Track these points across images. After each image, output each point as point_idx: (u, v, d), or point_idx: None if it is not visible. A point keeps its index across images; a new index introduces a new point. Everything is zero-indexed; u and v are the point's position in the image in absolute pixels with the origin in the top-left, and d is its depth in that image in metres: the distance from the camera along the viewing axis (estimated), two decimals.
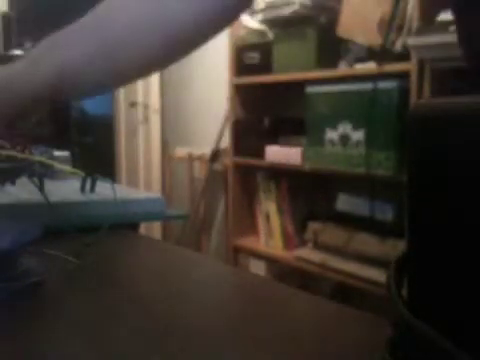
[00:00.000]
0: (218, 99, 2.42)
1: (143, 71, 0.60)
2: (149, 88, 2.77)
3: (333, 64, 1.79)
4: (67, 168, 0.42)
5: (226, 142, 2.28)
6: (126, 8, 0.54)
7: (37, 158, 0.41)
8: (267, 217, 2.16)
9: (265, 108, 2.19)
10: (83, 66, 0.52)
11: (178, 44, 0.56)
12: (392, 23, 1.59)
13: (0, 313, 0.27)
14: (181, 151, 2.69)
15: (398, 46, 1.58)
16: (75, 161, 0.69)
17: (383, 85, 1.60)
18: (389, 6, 1.60)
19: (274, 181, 2.13)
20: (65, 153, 0.66)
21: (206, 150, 2.50)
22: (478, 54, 0.40)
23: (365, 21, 1.65)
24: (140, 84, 2.74)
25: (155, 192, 2.72)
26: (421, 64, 1.51)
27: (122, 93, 2.78)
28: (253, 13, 1.98)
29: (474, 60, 0.41)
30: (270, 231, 2.16)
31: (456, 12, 0.43)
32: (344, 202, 1.93)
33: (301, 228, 2.05)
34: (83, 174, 0.50)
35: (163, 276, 0.34)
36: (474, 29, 0.39)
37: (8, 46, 2.03)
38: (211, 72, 2.44)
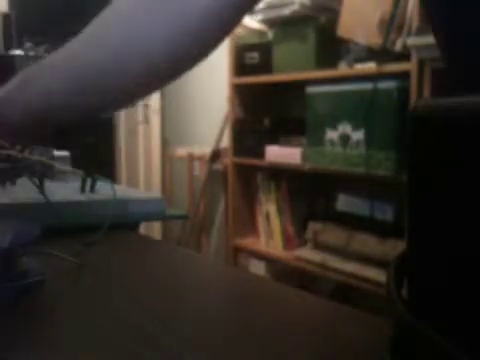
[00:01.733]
0: (218, 99, 2.42)
1: (131, 98, 0.58)
2: None
3: (333, 64, 1.79)
4: (67, 168, 0.42)
5: (226, 142, 2.28)
6: (107, 37, 0.52)
7: (37, 158, 0.41)
8: (267, 217, 2.17)
9: (265, 108, 2.19)
10: (67, 97, 0.51)
11: (163, 71, 0.55)
12: (392, 23, 1.59)
13: (0, 313, 0.27)
14: (181, 151, 2.69)
15: (398, 46, 1.58)
16: (75, 161, 0.69)
17: (383, 85, 1.60)
18: (389, 6, 1.60)
19: (274, 181, 2.13)
20: (65, 153, 0.66)
21: (206, 150, 2.50)
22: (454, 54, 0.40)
23: (365, 21, 1.65)
24: None
25: (155, 192, 2.72)
26: (421, 64, 1.51)
27: None
28: (253, 13, 1.98)
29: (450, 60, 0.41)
30: (270, 231, 2.16)
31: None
32: (344, 202, 1.93)
33: (301, 228, 2.05)
34: (83, 174, 0.50)
35: (163, 276, 0.34)
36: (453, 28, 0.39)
37: (8, 46, 2.03)
38: (211, 72, 2.44)
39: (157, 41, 0.52)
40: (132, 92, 0.56)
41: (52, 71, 0.53)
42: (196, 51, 0.54)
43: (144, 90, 0.58)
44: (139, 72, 0.53)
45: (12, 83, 0.53)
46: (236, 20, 0.54)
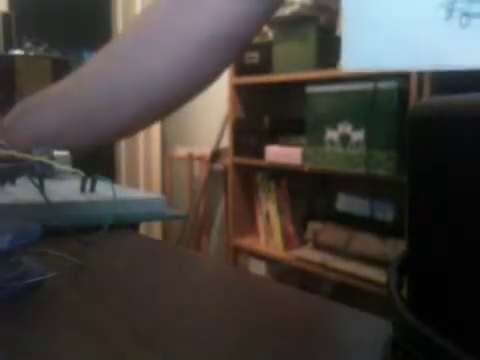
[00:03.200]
0: (218, 99, 2.42)
1: (122, 134, 0.60)
2: None
3: (333, 64, 1.79)
4: (67, 168, 0.42)
5: (226, 142, 2.28)
6: (100, 75, 0.53)
7: (37, 158, 0.40)
8: (267, 217, 2.17)
9: (265, 108, 2.19)
10: (57, 130, 0.53)
11: (155, 109, 0.55)
12: None
13: (0, 313, 0.27)
14: (181, 151, 2.69)
15: None
16: (75, 161, 0.69)
17: (383, 85, 1.60)
18: None
19: (274, 181, 2.13)
20: (65, 153, 0.65)
21: (206, 150, 2.50)
22: None
23: None
24: None
25: (155, 192, 2.72)
26: None
27: None
28: None
29: None
30: (270, 231, 2.16)
31: None
32: (344, 202, 1.93)
33: (301, 228, 2.05)
34: (83, 174, 0.50)
35: (163, 276, 0.34)
36: None
37: (8, 46, 2.03)
38: None
39: (150, 83, 0.52)
40: (124, 128, 0.57)
41: (46, 102, 0.54)
42: (191, 90, 0.55)
43: (138, 126, 0.58)
44: (131, 111, 0.53)
45: (14, 111, 0.54)
46: (229, 57, 0.55)
